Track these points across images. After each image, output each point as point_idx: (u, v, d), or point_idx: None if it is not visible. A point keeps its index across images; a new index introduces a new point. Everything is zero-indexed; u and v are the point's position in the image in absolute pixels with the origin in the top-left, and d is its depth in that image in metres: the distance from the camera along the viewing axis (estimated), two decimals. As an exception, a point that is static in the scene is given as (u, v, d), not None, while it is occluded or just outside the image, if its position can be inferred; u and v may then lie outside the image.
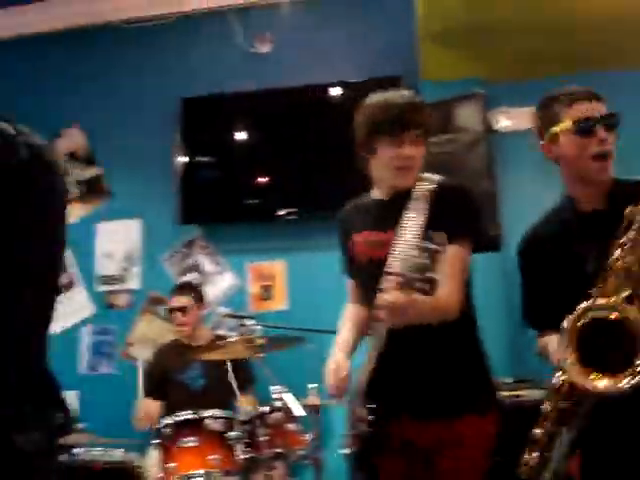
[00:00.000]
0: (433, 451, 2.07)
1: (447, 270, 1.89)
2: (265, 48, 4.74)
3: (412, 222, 2.06)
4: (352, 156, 2.27)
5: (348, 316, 2.36)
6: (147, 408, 3.87)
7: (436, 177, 2.17)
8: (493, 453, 2.09)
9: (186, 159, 4.66)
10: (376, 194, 2.29)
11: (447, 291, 1.97)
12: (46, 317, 1.24)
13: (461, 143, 3.72)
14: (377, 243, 2.16)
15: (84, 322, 4.77)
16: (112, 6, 4.89)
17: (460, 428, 2.05)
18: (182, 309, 3.96)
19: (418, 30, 4.02)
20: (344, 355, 2.22)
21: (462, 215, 2.12)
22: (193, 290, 4.10)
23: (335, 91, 4.53)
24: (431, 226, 1.95)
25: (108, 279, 4.78)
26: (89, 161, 4.94)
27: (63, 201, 1.27)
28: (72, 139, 4.97)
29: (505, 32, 3.82)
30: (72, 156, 4.95)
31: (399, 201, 2.13)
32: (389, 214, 2.15)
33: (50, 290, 1.25)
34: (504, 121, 4.26)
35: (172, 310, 4.01)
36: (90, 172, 4.93)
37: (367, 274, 2.20)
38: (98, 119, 4.93)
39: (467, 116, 3.78)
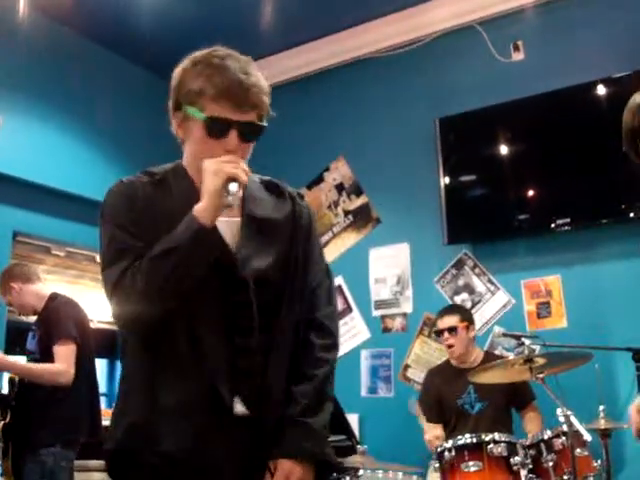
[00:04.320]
0: None
1: None
2: (518, 56, 4.58)
3: None
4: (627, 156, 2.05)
5: None
6: (434, 432, 3.85)
7: None
8: None
9: (448, 179, 4.65)
10: None
11: None
12: None
13: None
14: None
15: (362, 346, 4.89)
16: (361, 42, 5.10)
17: None
18: (450, 330, 3.89)
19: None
20: None
21: None
22: (460, 311, 4.03)
23: (599, 89, 4.21)
24: None
25: (382, 303, 4.89)
26: (357, 191, 5.13)
27: None
28: (339, 171, 5.23)
29: None
30: (340, 187, 5.20)
31: None
32: None
33: None
34: None
35: (441, 332, 3.95)
36: (358, 201, 5.12)
37: None
38: (360, 150, 5.12)
39: None
